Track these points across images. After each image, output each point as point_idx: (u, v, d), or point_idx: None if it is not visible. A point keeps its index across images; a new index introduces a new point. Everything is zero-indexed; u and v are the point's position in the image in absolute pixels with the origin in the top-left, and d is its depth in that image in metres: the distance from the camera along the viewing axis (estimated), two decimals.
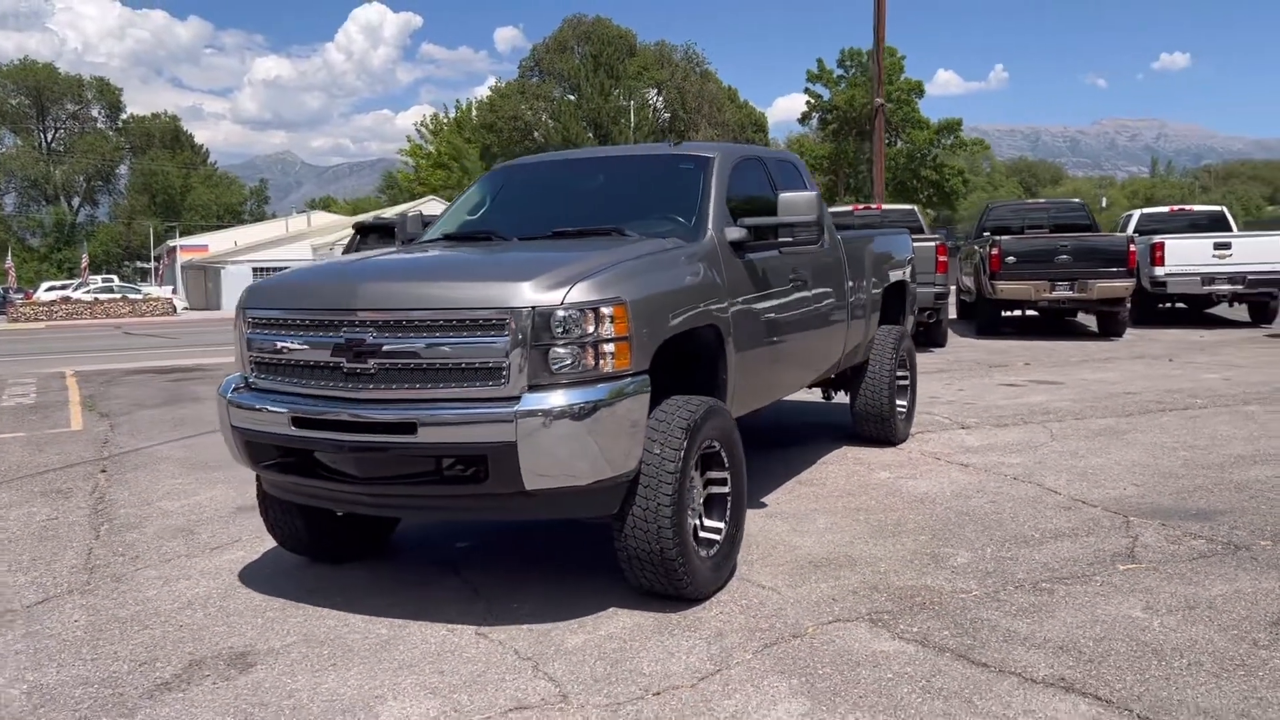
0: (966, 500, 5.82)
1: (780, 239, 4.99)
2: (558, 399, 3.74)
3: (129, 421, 9.84)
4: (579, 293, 3.82)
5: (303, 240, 64.67)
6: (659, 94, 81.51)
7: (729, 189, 5.18)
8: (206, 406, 10.72)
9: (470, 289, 3.89)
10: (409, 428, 3.80)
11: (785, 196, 4.93)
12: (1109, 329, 16.11)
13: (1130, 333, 16.20)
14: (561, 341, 3.77)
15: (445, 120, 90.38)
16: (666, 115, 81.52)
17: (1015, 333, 16.94)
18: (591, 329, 3.80)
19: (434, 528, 5.58)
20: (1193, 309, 19.00)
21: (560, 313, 3.77)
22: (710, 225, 4.87)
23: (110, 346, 21.93)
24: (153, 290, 60.10)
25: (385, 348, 3.88)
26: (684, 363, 4.54)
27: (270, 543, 5.36)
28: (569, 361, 3.79)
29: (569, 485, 3.82)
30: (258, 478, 4.78)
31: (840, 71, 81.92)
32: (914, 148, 79.12)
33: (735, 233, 4.91)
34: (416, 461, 3.88)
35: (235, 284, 60.94)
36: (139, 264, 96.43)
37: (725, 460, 4.42)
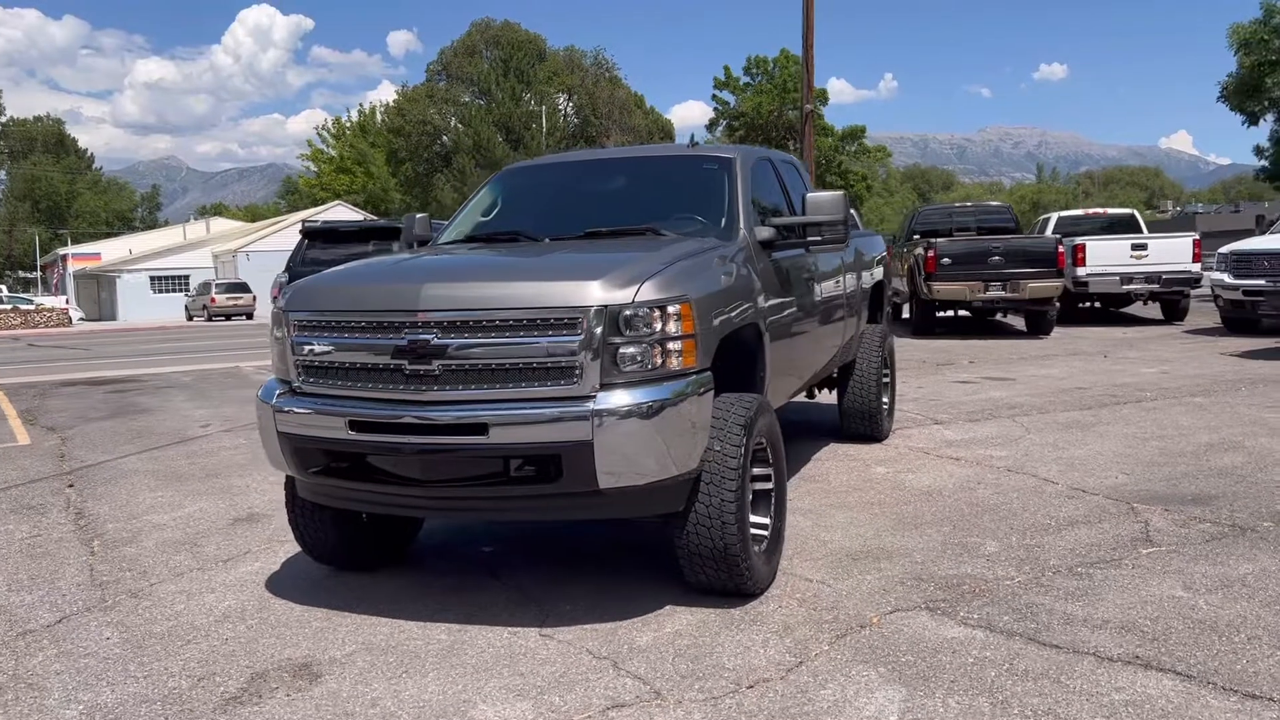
0: (972, 492, 5.98)
1: (809, 238, 5.06)
2: (631, 397, 3.74)
3: (80, 435, 9.42)
4: (648, 291, 3.82)
5: (202, 247, 62.77)
6: (570, 99, 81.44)
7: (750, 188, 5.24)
8: (159, 418, 10.35)
9: (540, 288, 3.85)
10: (480, 429, 3.75)
11: (813, 196, 5.01)
12: (1037, 328, 16.69)
13: (1057, 331, 16.80)
14: (632, 340, 3.77)
15: (347, 124, 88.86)
16: (577, 121, 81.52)
17: (948, 333, 17.42)
18: (660, 327, 3.81)
19: (454, 533, 5.50)
20: (1107, 307, 19.81)
21: (631, 311, 3.77)
22: (742, 225, 4.92)
23: (21, 359, 20.91)
24: (45, 300, 57.55)
25: (451, 349, 3.82)
26: (725, 361, 4.57)
27: (283, 553, 5.24)
28: (639, 360, 3.79)
29: (639, 483, 3.82)
30: (289, 487, 4.65)
31: (747, 79, 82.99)
32: (820, 154, 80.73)
33: (765, 232, 4.97)
34: (485, 463, 3.83)
35: (132, 293, 58.83)
36: (22, 273, 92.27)
37: (769, 456, 4.47)
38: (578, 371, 3.75)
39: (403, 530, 4.98)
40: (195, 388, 13.10)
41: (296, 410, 4.11)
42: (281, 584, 4.76)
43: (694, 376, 3.91)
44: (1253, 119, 29.26)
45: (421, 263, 4.60)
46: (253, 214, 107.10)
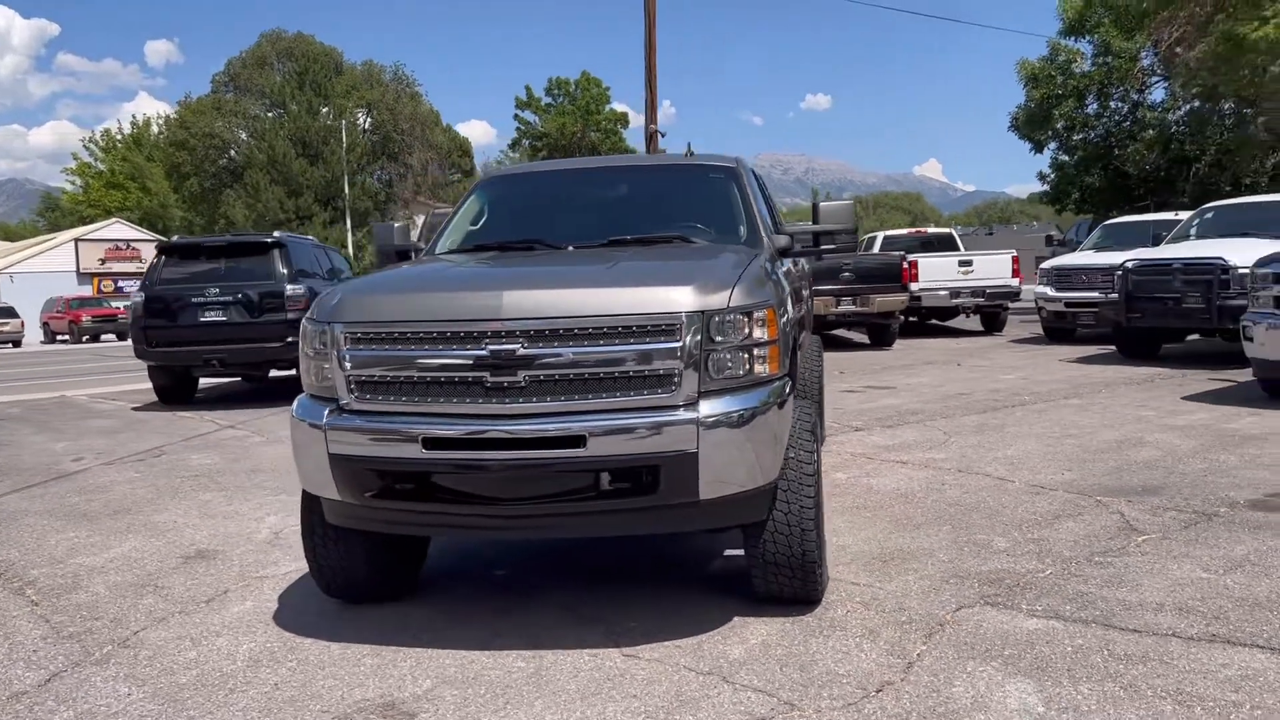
0: (942, 493, 6.20)
1: (822, 246, 5.12)
2: (731, 405, 3.67)
3: None
4: (739, 296, 3.77)
5: None
6: (369, 114, 79.06)
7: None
8: (13, 452, 9.29)
9: (635, 294, 3.72)
10: (577, 441, 3.57)
11: (826, 205, 5.08)
12: (881, 340, 17.55)
13: (898, 343, 17.72)
14: (726, 346, 3.70)
15: (119, 137, 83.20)
16: (377, 136, 79.22)
17: None
18: (750, 333, 3.76)
19: (459, 558, 5.21)
20: (931, 320, 21.07)
21: (726, 316, 3.70)
22: (763, 232, 4.93)
23: None
24: None
25: (539, 359, 3.62)
26: None
27: (269, 590, 4.84)
28: (731, 366, 3.72)
29: (734, 493, 3.74)
30: (308, 514, 4.28)
31: (549, 100, 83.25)
32: None
33: (781, 240, 5.00)
34: (576, 477, 3.65)
35: None
36: None
37: None
38: (675, 379, 3.64)
39: (417, 557, 4.68)
40: (34, 420, 11.82)
41: (354, 430, 3.78)
42: (296, 622, 4.36)
43: (778, 383, 3.88)
44: (1038, 147, 31.98)
45: (502, 270, 4.35)
46: (6, 233, 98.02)
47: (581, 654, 3.86)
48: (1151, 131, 29.03)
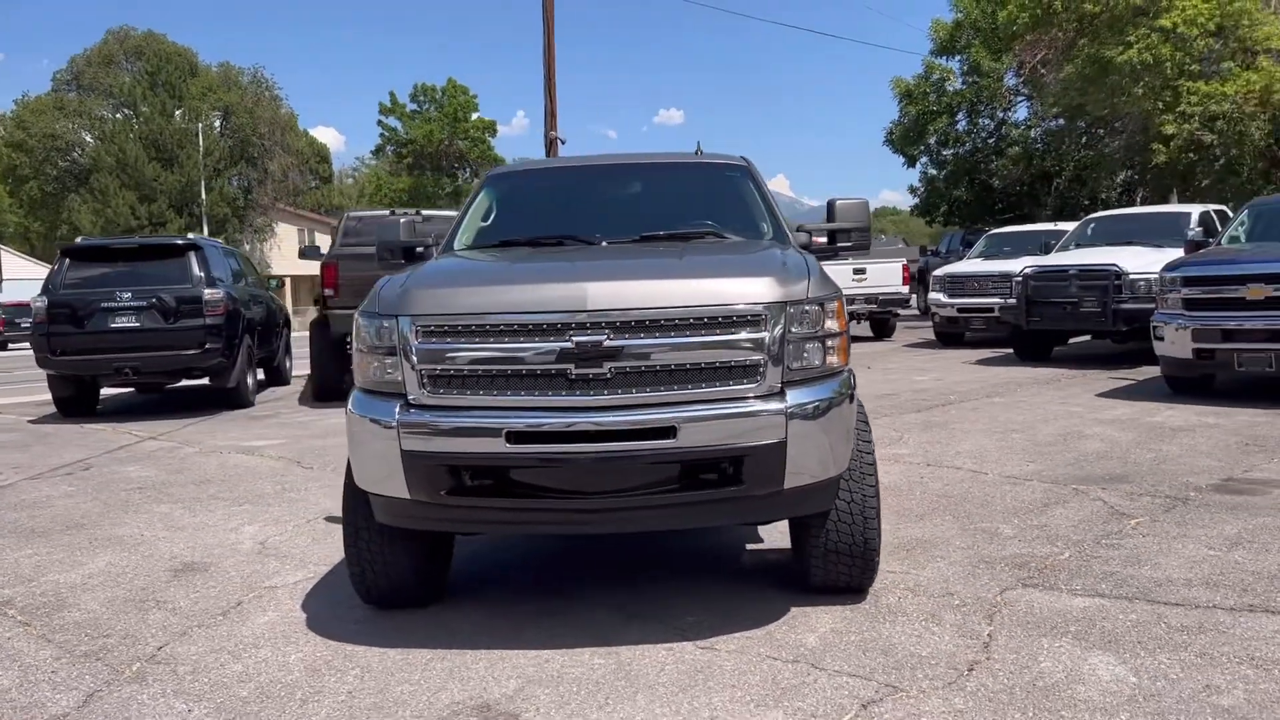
0: (925, 486, 6.40)
1: (838, 244, 5.22)
2: (813, 395, 3.71)
3: None
4: (815, 287, 3.82)
5: None
6: (226, 117, 75.97)
7: None
8: None
9: (720, 285, 3.72)
10: (668, 432, 3.55)
11: (842, 203, 5.18)
12: None
13: None
14: (805, 337, 3.75)
15: None
16: (234, 140, 76.13)
17: None
18: (825, 324, 3.82)
19: (466, 561, 5.08)
20: None
21: (806, 307, 3.75)
22: (786, 229, 5.00)
23: None
24: None
25: (626, 350, 3.59)
26: None
27: (287, 599, 4.64)
28: (807, 357, 3.77)
29: (812, 482, 3.79)
30: (353, 517, 4.12)
31: (414, 106, 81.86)
32: None
33: (802, 237, 5.08)
34: (664, 468, 3.63)
35: None
36: None
37: None
38: (760, 370, 3.66)
39: (446, 561, 4.55)
40: None
41: (431, 426, 3.65)
42: (338, 631, 4.18)
43: (846, 374, 3.95)
44: (911, 161, 33.38)
45: (556, 263, 4.26)
46: None
47: (655, 649, 3.83)
48: (1016, 148, 30.66)
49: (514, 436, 3.58)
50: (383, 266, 5.35)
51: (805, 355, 3.75)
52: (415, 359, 3.71)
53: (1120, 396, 10.31)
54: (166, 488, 7.30)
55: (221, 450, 8.80)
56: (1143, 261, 13.15)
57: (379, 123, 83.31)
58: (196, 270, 11.01)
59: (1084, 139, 29.59)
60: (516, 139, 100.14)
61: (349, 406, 3.95)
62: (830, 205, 5.18)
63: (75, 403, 11.27)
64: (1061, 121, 29.34)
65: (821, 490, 3.88)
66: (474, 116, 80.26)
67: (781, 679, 3.51)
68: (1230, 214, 15.51)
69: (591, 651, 3.83)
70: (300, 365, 15.93)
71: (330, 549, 5.43)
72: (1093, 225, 15.74)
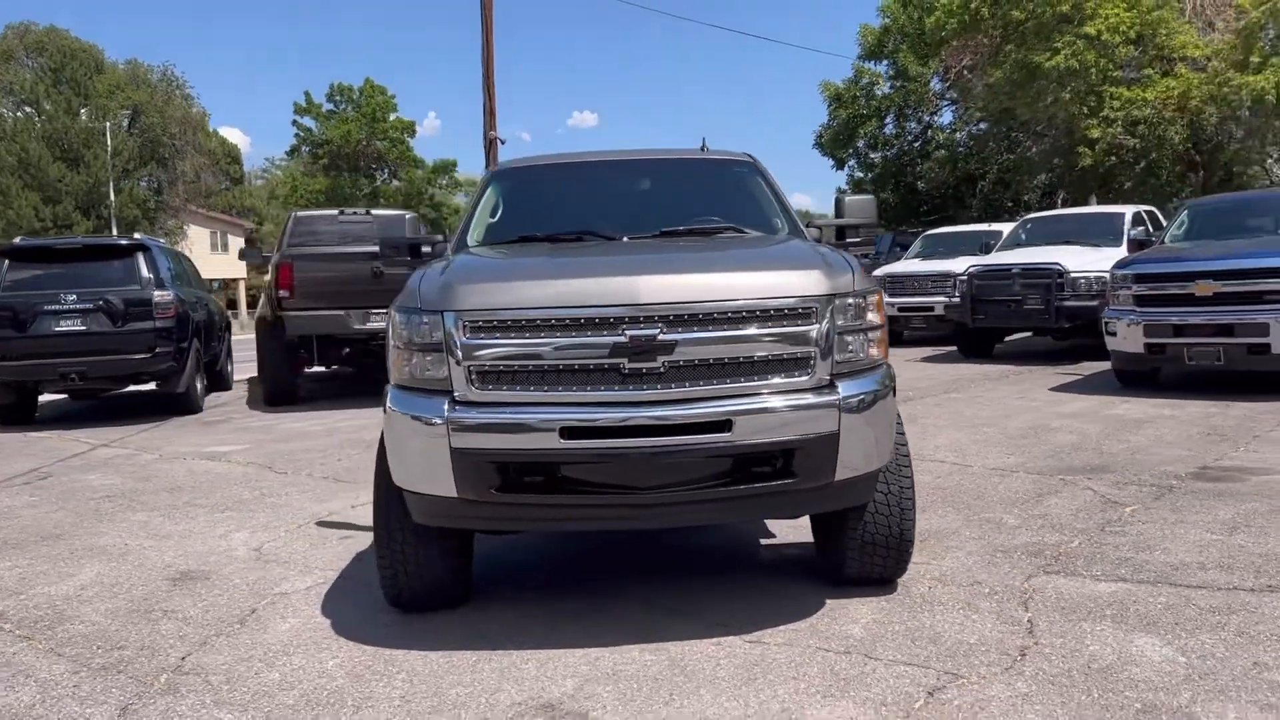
0: (917, 479, 6.42)
1: (847, 239, 5.26)
2: (861, 387, 3.74)
3: None
4: (860, 281, 3.86)
5: None
6: (135, 116, 73.47)
7: None
8: None
9: (771, 278, 3.73)
10: (724, 425, 3.55)
11: (851, 199, 5.22)
12: None
13: None
14: (851, 329, 3.78)
15: None
16: (143, 140, 73.66)
17: None
18: (868, 317, 3.85)
19: (487, 563, 5.00)
20: None
21: (853, 300, 3.78)
22: (800, 225, 5.03)
23: None
24: None
25: (680, 344, 3.57)
26: None
27: (303, 605, 4.52)
28: (853, 350, 3.80)
29: (859, 474, 3.81)
30: (386, 517, 4.02)
31: (330, 106, 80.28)
32: (411, 186, 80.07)
33: (813, 233, 5.11)
34: (718, 462, 3.62)
35: None
36: None
37: None
38: (811, 362, 3.68)
39: (470, 561, 4.47)
40: None
41: (482, 423, 3.58)
42: (369, 635, 4.07)
43: (886, 366, 3.98)
44: (840, 164, 33.92)
45: (631, 255, 4.21)
46: None
47: (702, 644, 3.82)
48: (942, 151, 31.38)
49: (568, 432, 3.53)
50: (386, 264, 5.25)
51: (852, 348, 3.78)
52: (463, 355, 3.64)
53: (1074, 390, 10.61)
54: (137, 495, 7.03)
55: (184, 457, 8.52)
56: (1083, 260, 13.56)
57: (294, 123, 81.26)
58: (145, 271, 10.64)
59: (1007, 142, 30.41)
60: (427, 140, 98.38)
61: (387, 404, 3.85)
62: (839, 202, 5.22)
63: (14, 410, 10.79)
64: (984, 126, 30.12)
65: (865, 482, 3.91)
66: (392, 117, 79.02)
67: (840, 670, 3.52)
68: (1159, 214, 16.09)
69: (639, 649, 3.80)
70: (242, 369, 15.56)
71: (331, 554, 5.30)
72: (1029, 226, 16.16)
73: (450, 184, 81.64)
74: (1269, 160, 20.18)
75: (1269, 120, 19.12)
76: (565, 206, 5.25)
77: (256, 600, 4.61)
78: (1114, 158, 21.99)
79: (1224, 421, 8.24)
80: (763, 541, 5.21)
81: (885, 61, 32.03)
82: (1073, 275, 13.30)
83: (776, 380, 3.65)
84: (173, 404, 11.40)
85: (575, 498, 3.63)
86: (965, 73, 27.48)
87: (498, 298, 3.67)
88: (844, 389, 3.69)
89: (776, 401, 3.61)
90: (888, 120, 32.42)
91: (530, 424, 3.56)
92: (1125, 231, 14.34)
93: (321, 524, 6.00)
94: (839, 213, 5.21)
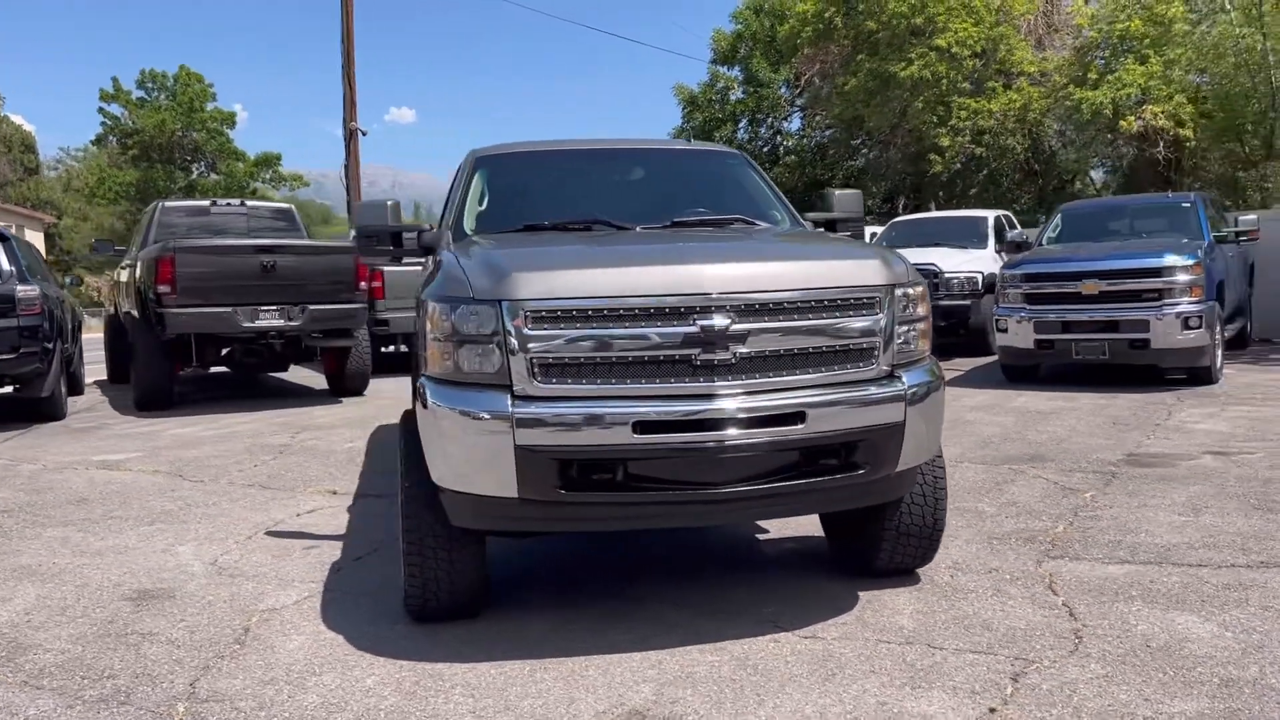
0: None
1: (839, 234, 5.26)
2: (920, 378, 3.76)
3: None
4: (912, 271, 3.86)
5: None
6: None
7: None
8: None
9: (836, 267, 3.69)
10: (797, 417, 3.48)
11: (839, 193, 5.23)
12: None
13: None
14: (904, 320, 3.78)
15: None
16: None
17: None
18: (918, 309, 3.87)
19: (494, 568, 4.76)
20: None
21: (906, 291, 3.78)
22: (798, 216, 5.02)
23: None
24: None
25: (750, 335, 3.48)
26: None
27: (303, 621, 4.19)
28: (907, 341, 3.81)
29: (913, 466, 3.82)
30: (419, 522, 3.76)
31: (141, 94, 75.65)
32: (233, 180, 76.48)
33: (807, 226, 5.10)
34: (786, 455, 3.54)
35: None
36: None
37: None
38: (876, 353, 3.66)
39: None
40: None
41: (550, 418, 3.38)
42: (398, 648, 3.80)
43: (932, 359, 4.00)
44: None
45: (697, 244, 4.04)
46: None
47: (759, 642, 3.74)
48: (792, 157, 32.26)
49: (641, 426, 3.38)
50: (364, 254, 4.93)
51: (907, 339, 3.78)
52: (524, 347, 3.43)
53: (965, 385, 11.06)
54: (39, 510, 6.36)
55: (74, 466, 7.77)
56: (954, 261, 14.20)
57: (100, 110, 75.95)
58: (6, 264, 9.68)
59: (850, 149, 31.55)
60: (235, 133, 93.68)
61: (429, 400, 3.59)
62: (827, 195, 5.23)
63: None
64: (830, 133, 31.15)
65: (913, 473, 3.92)
66: (210, 106, 75.04)
67: (911, 661, 3.51)
68: (1014, 219, 17.02)
69: (697, 650, 3.68)
70: (92, 371, 14.43)
71: (301, 567, 4.93)
72: (895, 229, 16.79)
73: (274, 178, 78.32)
74: (1095, 170, 21.73)
75: (1101, 133, 20.57)
76: (566, 195, 5.05)
77: (243, 618, 4.23)
78: (958, 165, 23.15)
79: (1118, 412, 8.75)
80: (759, 536, 5.17)
81: (738, 67, 32.69)
82: (947, 276, 13.90)
83: (843, 371, 3.61)
84: (33, 410, 10.40)
85: (646, 495, 3.48)
86: (816, 80, 28.36)
87: (563, 286, 3.47)
88: (908, 379, 3.69)
89: (845, 393, 3.57)
90: (741, 125, 33.08)
91: (602, 418, 3.38)
92: (989, 234, 15.11)
93: (272, 534, 5.57)
94: (827, 207, 5.21)
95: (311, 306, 10.51)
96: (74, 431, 9.77)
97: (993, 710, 3.12)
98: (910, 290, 3.80)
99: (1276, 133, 15.92)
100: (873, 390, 3.61)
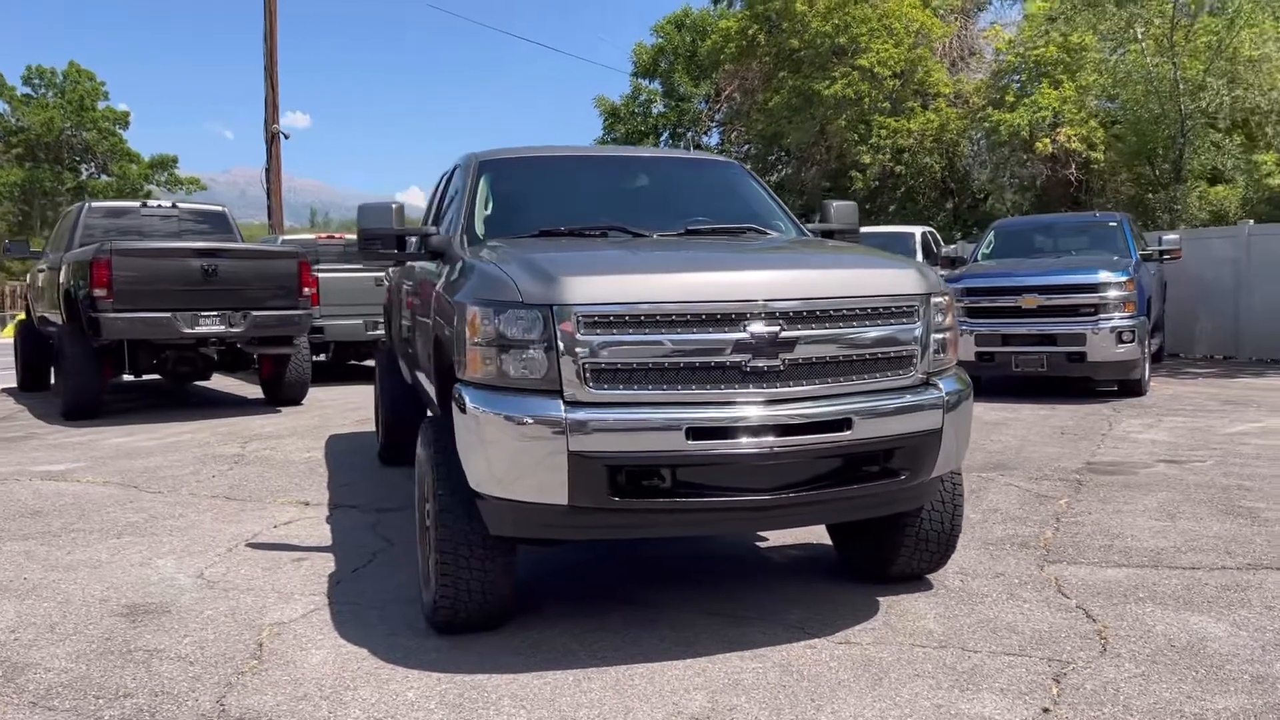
0: None
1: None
2: (952, 385, 3.84)
3: None
4: (941, 282, 3.94)
5: None
6: None
7: None
8: None
9: (882, 274, 3.77)
10: (844, 424, 3.52)
11: (838, 204, 5.31)
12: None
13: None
14: (940, 328, 3.86)
15: None
16: None
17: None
18: (948, 318, 3.95)
19: None
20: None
21: (939, 300, 3.86)
22: (802, 226, 5.08)
23: None
24: None
25: (800, 341, 3.51)
26: None
27: (318, 635, 4.06)
28: (940, 349, 3.89)
29: (943, 472, 3.90)
30: (452, 532, 3.68)
31: (27, 90, 72.44)
32: (127, 182, 73.81)
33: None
34: (830, 461, 3.58)
35: None
36: None
37: None
38: (913, 360, 3.73)
39: None
40: None
41: (605, 423, 3.35)
42: (430, 660, 3.71)
43: (958, 368, 4.08)
44: None
45: (709, 253, 4.01)
46: None
47: (797, 648, 3.77)
48: None
49: (694, 433, 3.38)
50: (366, 258, 4.82)
51: (939, 347, 3.85)
52: (574, 351, 3.39)
53: None
54: None
55: (13, 478, 7.37)
56: None
57: None
58: None
59: (764, 165, 32.04)
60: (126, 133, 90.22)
61: (469, 405, 3.52)
62: (825, 207, 5.31)
63: None
64: (748, 148, 31.58)
65: (938, 480, 4.00)
66: (102, 105, 72.22)
67: (951, 664, 3.58)
68: (939, 235, 17.50)
69: (738, 656, 3.69)
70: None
71: (297, 579, 4.79)
72: None
73: (170, 181, 75.74)
74: (1006, 191, 22.51)
75: (1015, 154, 21.33)
76: (574, 201, 5.01)
77: (252, 632, 4.08)
78: (878, 182, 23.73)
79: (1062, 422, 9.07)
80: (759, 544, 5.20)
81: (658, 80, 32.94)
82: None
83: (883, 378, 3.67)
84: None
85: (695, 502, 3.47)
86: (736, 96, 28.74)
87: (617, 291, 3.45)
88: (944, 386, 3.77)
89: (888, 400, 3.63)
90: (663, 138, 33.31)
91: (656, 424, 3.37)
92: (916, 250, 15.50)
93: (254, 546, 5.39)
94: (825, 218, 5.29)
95: (254, 312, 10.20)
96: (1, 441, 9.27)
97: (1046, 710, 3.19)
98: (943, 300, 3.88)
99: (1185, 156, 16.74)
100: (912, 397, 3.67)
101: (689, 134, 32.93)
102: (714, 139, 34.20)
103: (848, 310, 3.61)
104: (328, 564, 5.02)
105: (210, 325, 10.01)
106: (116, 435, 9.39)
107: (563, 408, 3.37)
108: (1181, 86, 15.92)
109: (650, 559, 4.98)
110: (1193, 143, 16.76)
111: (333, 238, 17.02)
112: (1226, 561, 4.68)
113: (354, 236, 17.89)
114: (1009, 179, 22.43)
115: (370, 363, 15.95)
